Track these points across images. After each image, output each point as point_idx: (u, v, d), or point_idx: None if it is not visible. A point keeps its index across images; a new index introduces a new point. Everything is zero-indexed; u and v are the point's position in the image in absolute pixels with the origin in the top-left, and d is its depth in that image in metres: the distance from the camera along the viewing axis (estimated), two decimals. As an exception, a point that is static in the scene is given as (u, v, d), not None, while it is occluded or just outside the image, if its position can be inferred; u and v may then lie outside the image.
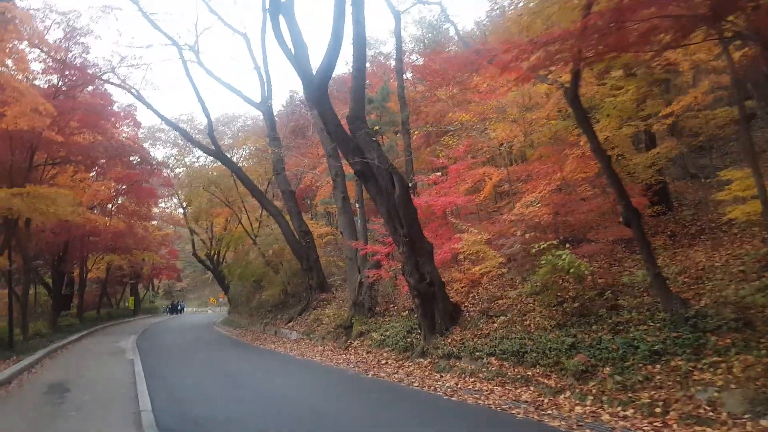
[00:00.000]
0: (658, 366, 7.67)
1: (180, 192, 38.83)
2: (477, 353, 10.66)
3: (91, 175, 27.84)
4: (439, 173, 14.75)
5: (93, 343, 22.06)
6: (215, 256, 40.38)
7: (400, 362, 12.43)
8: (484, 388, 9.24)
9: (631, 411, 7.11)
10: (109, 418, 8.13)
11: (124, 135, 24.81)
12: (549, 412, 7.58)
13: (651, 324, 8.44)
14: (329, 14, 13.07)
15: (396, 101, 19.70)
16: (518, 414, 7.53)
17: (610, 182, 8.49)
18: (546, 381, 8.83)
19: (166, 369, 13.64)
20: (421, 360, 11.96)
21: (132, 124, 25.98)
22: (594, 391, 7.94)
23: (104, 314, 38.15)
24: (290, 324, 21.95)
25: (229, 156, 24.65)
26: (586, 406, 7.64)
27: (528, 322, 10.78)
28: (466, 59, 21.95)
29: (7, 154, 15.05)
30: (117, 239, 28.83)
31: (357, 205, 17.68)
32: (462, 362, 10.91)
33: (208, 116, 21.53)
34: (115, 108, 23.10)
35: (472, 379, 9.94)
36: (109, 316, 38.63)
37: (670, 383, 7.28)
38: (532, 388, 8.77)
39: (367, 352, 14.28)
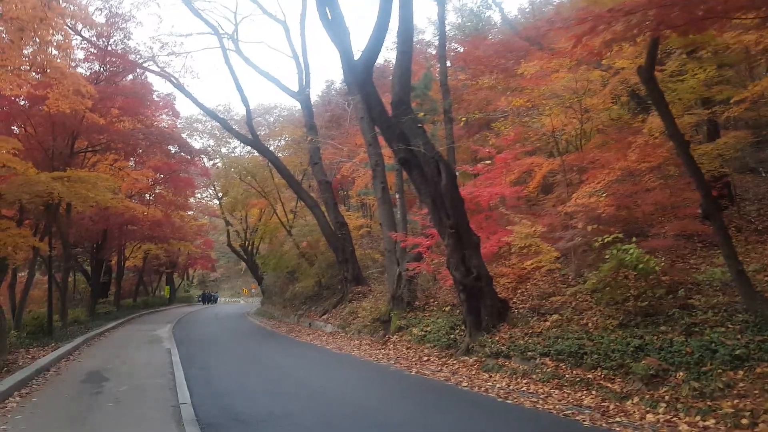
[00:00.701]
0: (741, 372, 6.94)
1: (216, 183, 38.93)
2: (529, 353, 10.04)
3: (130, 164, 27.98)
4: (488, 161, 14.04)
5: (130, 331, 22.10)
6: (249, 247, 40.40)
7: (443, 360, 11.88)
8: (540, 390, 8.62)
9: (713, 421, 6.41)
10: (147, 411, 7.78)
11: (162, 124, 24.76)
12: (618, 419, 6.94)
13: (730, 326, 7.71)
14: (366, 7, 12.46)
15: (437, 89, 19.04)
16: (583, 421, 6.90)
17: (689, 171, 7.76)
18: (609, 385, 8.16)
19: (203, 359, 13.36)
20: (466, 358, 11.39)
21: (170, 113, 25.96)
22: (667, 397, 7.25)
23: (140, 302, 38.59)
24: (325, 316, 21.58)
25: (265, 146, 24.26)
26: (659, 413, 6.98)
27: (585, 322, 10.11)
28: (512, 45, 21.16)
29: (49, 140, 14.96)
30: (154, 228, 28.91)
31: (397, 196, 17.13)
32: (512, 362, 10.30)
33: (246, 105, 21.27)
34: (154, 97, 23.07)
35: (525, 381, 9.32)
36: (145, 304, 39.04)
37: (756, 392, 6.55)
38: (594, 392, 8.12)
39: (407, 348, 13.76)
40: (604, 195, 9.16)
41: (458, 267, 11.74)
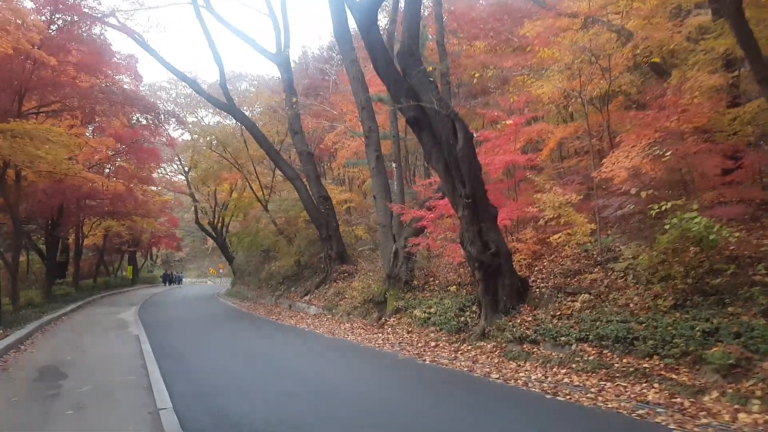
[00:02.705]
0: None
1: (181, 157, 36.62)
2: (562, 338, 8.78)
3: (88, 133, 25.65)
4: (503, 123, 12.59)
5: (91, 315, 20.13)
6: (219, 225, 38.34)
7: (455, 345, 10.56)
8: (588, 383, 7.35)
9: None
10: (118, 421, 6.12)
11: (125, 86, 22.49)
12: (704, 420, 5.69)
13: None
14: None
15: (432, 51, 17.51)
16: (666, 422, 5.63)
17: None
18: (674, 376, 6.93)
19: (178, 348, 11.72)
20: (483, 343, 10.10)
21: (132, 76, 23.70)
22: (758, 392, 6.03)
23: (101, 283, 36.39)
24: (307, 297, 20.10)
25: (241, 111, 22.22)
26: (754, 413, 5.75)
27: (625, 302, 8.85)
28: (510, 5, 19.77)
29: (-9, 93, 12.81)
30: (115, 203, 26.66)
31: (393, 165, 15.59)
32: (541, 348, 9.03)
33: (220, 65, 19.19)
34: (114, 59, 20.78)
35: (563, 371, 8.06)
36: (106, 285, 36.85)
37: None
38: (656, 385, 6.88)
39: (408, 332, 12.42)
40: (668, 153, 7.80)
41: (474, 242, 10.36)
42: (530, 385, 7.42)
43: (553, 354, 8.68)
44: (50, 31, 14.42)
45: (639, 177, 8.55)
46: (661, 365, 7.21)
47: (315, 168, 21.43)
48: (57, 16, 16.12)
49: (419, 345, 11.04)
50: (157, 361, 9.72)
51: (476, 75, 12.00)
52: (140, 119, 22.42)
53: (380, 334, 12.74)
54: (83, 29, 16.39)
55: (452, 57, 18.64)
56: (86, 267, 37.23)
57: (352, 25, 14.72)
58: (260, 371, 8.97)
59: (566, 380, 7.63)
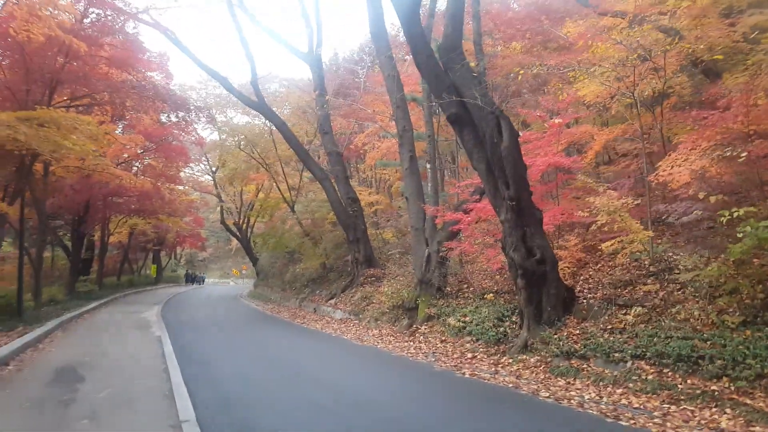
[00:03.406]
0: None
1: (208, 156, 36.49)
2: (615, 354, 8.07)
3: (118, 130, 25.53)
4: (544, 125, 11.93)
5: (113, 313, 19.84)
6: (244, 225, 38.09)
7: (494, 357, 9.89)
8: (649, 405, 6.64)
9: None
10: (137, 432, 5.61)
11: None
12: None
13: None
14: None
15: (469, 49, 16.88)
16: (754, 459, 4.91)
17: None
18: (749, 401, 6.21)
19: (201, 351, 11.24)
20: (525, 357, 9.41)
21: (163, 74, 23.45)
22: None
23: (125, 281, 36.33)
24: (332, 301, 19.55)
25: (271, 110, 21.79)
26: None
27: (685, 317, 8.10)
28: (548, 5, 19.10)
29: (21, 85, 12.45)
30: (142, 201, 26.48)
31: (428, 166, 14.98)
32: (592, 364, 8.32)
33: (252, 62, 18.83)
34: (146, 57, 20.57)
35: (619, 390, 7.33)
36: (130, 283, 36.78)
37: None
38: (728, 410, 6.16)
39: (441, 341, 11.77)
40: (744, 154, 7.06)
41: (518, 247, 9.69)
42: (586, 406, 6.73)
43: (606, 371, 7.97)
44: (83, 25, 14.14)
45: (705, 181, 7.82)
46: (732, 388, 6.48)
47: (344, 169, 20.94)
48: (91, 10, 15.89)
49: (455, 356, 10.39)
50: (179, 364, 9.23)
51: (520, 72, 11.32)
52: (170, 117, 22.09)
53: (411, 343, 12.12)
54: (116, 24, 16.12)
55: (488, 58, 18.01)
56: (110, 264, 37.26)
57: (388, 21, 14.31)
58: (287, 379, 8.41)
59: (624, 401, 6.92)
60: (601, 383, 7.71)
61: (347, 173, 21.25)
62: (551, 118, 12.69)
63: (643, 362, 7.70)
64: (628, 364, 7.82)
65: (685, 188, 8.07)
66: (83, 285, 25.10)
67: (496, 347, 10.34)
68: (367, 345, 12.31)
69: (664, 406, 6.57)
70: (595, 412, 6.46)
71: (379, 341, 12.69)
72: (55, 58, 12.60)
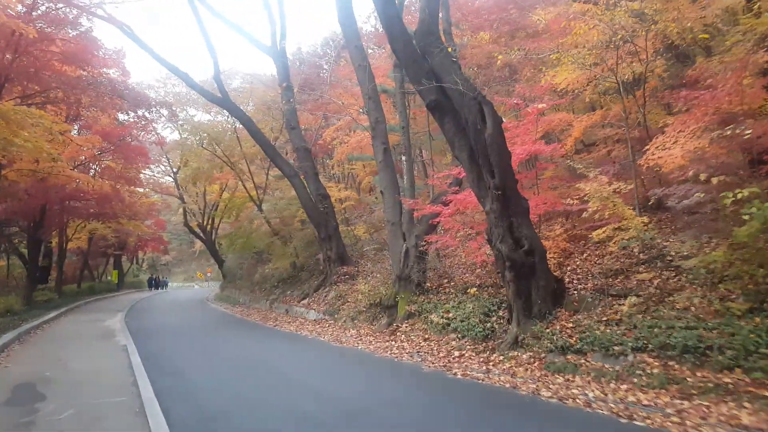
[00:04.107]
0: None
1: (170, 157, 35.25)
2: (615, 347, 7.70)
3: (74, 131, 24.24)
4: (529, 108, 11.52)
5: (74, 323, 18.76)
6: (208, 226, 36.92)
7: (483, 355, 9.46)
8: (659, 401, 6.26)
9: None
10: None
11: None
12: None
13: None
14: None
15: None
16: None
17: None
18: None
19: (173, 360, 10.50)
20: (516, 353, 9.00)
21: (120, 72, 22.32)
22: None
23: (86, 288, 34.90)
24: (305, 301, 18.91)
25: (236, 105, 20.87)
26: None
27: (685, 305, 7.80)
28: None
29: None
30: (101, 204, 25.19)
31: (403, 158, 14.46)
32: (590, 359, 7.94)
33: (213, 56, 17.92)
34: (101, 54, 19.46)
35: (624, 387, 6.94)
36: (91, 290, 35.33)
37: None
38: (747, 404, 5.80)
39: (425, 339, 11.29)
40: (748, 132, 6.74)
41: (504, 239, 9.26)
42: (594, 405, 6.32)
43: (607, 366, 7.59)
44: (32, 16, 13.10)
45: (704, 161, 7.51)
46: (747, 380, 6.15)
47: (313, 165, 20.24)
48: (40, 1, 14.82)
49: (441, 355, 9.92)
50: (149, 376, 8.53)
51: (499, 56, 10.92)
52: (129, 115, 21.01)
53: (393, 342, 11.60)
54: (69, 17, 15.05)
55: (457, 48, 17.59)
56: (70, 272, 35.77)
57: (356, 10, 13.71)
58: (269, 388, 7.79)
59: (632, 398, 6.53)
60: (602, 379, 7.32)
61: (316, 169, 20.54)
62: (527, 106, 12.32)
63: (645, 355, 7.35)
64: (630, 358, 7.47)
65: (680, 171, 7.74)
66: (42, 294, 23.85)
67: (484, 344, 9.92)
68: (347, 346, 11.75)
69: (676, 402, 6.21)
70: (605, 412, 6.05)
71: (359, 342, 12.14)
72: (3, 53, 11.57)
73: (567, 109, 15.36)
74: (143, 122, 21.03)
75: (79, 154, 23.28)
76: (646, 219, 8.35)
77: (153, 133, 26.91)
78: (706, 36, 9.98)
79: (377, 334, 12.70)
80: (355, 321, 14.48)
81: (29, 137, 10.61)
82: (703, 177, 7.04)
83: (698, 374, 6.60)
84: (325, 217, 18.83)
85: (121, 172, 26.85)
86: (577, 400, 6.56)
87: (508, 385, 7.51)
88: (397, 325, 12.66)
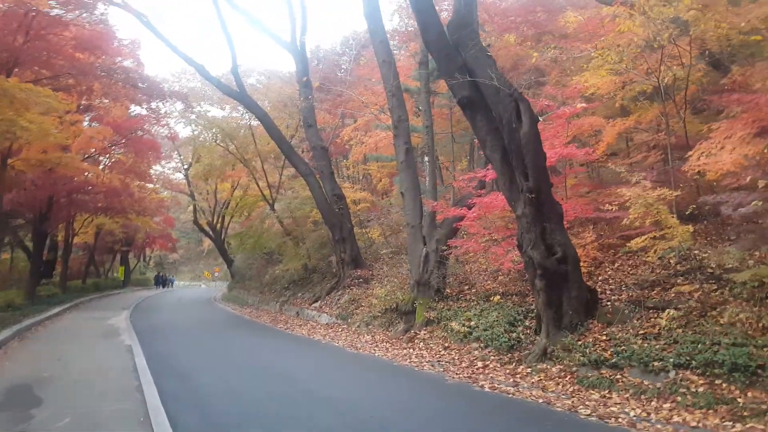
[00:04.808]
0: None
1: (181, 152, 34.93)
2: (654, 363, 7.16)
3: (85, 122, 23.92)
4: (560, 111, 11.07)
5: (78, 320, 18.38)
6: (218, 225, 36.54)
7: (509, 367, 8.96)
8: (708, 423, 5.79)
9: None
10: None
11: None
12: None
13: None
14: None
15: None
16: None
17: None
18: (831, 420, 5.35)
19: (180, 363, 10.06)
20: (545, 365, 8.50)
21: (135, 62, 22.01)
22: None
23: (91, 284, 34.49)
24: (317, 304, 18.44)
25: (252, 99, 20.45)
26: None
27: (729, 320, 7.28)
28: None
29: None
30: (110, 198, 24.82)
31: (426, 159, 14.00)
32: (627, 375, 7.41)
33: (231, 49, 17.58)
34: (116, 43, 19.15)
35: (666, 405, 6.43)
36: (96, 286, 34.94)
37: None
38: (806, 430, 5.29)
39: (445, 348, 10.79)
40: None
41: (536, 245, 8.76)
42: (639, 426, 5.81)
43: (646, 383, 7.07)
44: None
45: (761, 167, 7.01)
46: (807, 403, 5.64)
47: (329, 164, 19.82)
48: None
49: (463, 365, 9.42)
50: (154, 380, 8.05)
51: (534, 54, 10.49)
52: (142, 106, 20.62)
53: (411, 350, 11.11)
54: (83, 1, 14.71)
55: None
56: (75, 267, 35.36)
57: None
58: (283, 397, 7.31)
59: (677, 418, 6.02)
60: (642, 396, 6.82)
61: (332, 169, 20.13)
62: (558, 108, 11.84)
63: (688, 372, 6.83)
64: (671, 375, 6.95)
65: (732, 178, 7.25)
66: (45, 289, 23.51)
67: (509, 355, 9.41)
68: (364, 353, 11.27)
69: (727, 424, 5.70)
70: (650, 432, 5.53)
71: (375, 348, 11.67)
72: (14, 35, 11.20)
73: (597, 114, 14.93)
74: (156, 116, 20.62)
75: (89, 146, 22.92)
76: (691, 228, 7.83)
77: (166, 127, 26.56)
78: (759, 38, 9.45)
79: (394, 340, 12.23)
80: (370, 326, 14.02)
81: (34, 118, 10.11)
82: (762, 184, 6.55)
83: (749, 394, 6.10)
84: (340, 218, 18.39)
85: (131, 166, 26.53)
86: (620, 420, 6.04)
87: (541, 401, 6.99)
88: (415, 332, 12.17)
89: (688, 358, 6.92)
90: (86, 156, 23.07)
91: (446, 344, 10.91)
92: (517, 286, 11.55)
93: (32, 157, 15.08)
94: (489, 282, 12.59)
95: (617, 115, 13.17)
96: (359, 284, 17.27)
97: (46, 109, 10.25)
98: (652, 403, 6.58)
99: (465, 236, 12.65)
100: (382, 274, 17.42)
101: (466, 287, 12.89)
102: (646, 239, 8.18)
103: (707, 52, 11.88)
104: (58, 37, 13.16)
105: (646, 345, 7.62)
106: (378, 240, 20.94)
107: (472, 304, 11.85)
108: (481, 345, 10.10)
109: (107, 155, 25.74)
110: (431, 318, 12.10)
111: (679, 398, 6.49)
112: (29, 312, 17.13)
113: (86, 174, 18.87)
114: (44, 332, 14.71)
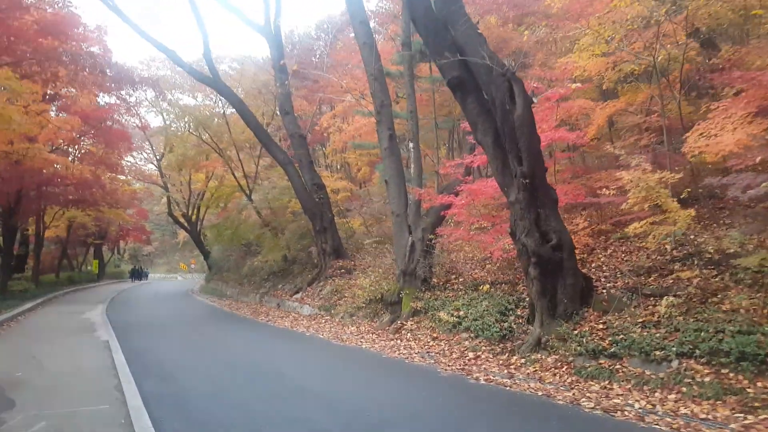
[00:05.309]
0: None
1: (153, 143, 33.98)
2: (656, 352, 6.93)
3: (52, 113, 22.96)
4: (549, 93, 10.76)
5: (51, 314, 17.70)
6: (193, 217, 35.71)
7: (502, 357, 8.70)
8: (718, 415, 5.56)
9: None
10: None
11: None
12: None
13: None
14: None
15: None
16: None
17: None
18: None
19: (161, 359, 9.58)
20: (540, 356, 8.26)
21: (102, 50, 21.13)
22: None
23: (64, 278, 33.59)
24: (298, 296, 18.05)
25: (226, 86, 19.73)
26: None
27: (730, 307, 7.08)
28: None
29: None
30: (81, 190, 23.95)
31: (410, 145, 13.60)
32: (627, 365, 7.17)
33: (204, 34, 16.83)
34: (81, 29, 18.30)
35: (671, 396, 6.21)
36: (70, 280, 34.07)
37: None
38: (822, 421, 5.07)
39: (433, 339, 10.49)
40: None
41: (530, 232, 8.47)
42: (648, 419, 5.54)
43: (648, 373, 6.84)
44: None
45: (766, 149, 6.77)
46: (821, 393, 5.43)
47: (308, 153, 19.30)
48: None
49: (454, 356, 9.14)
50: (135, 379, 7.59)
51: (525, 33, 10.13)
52: (110, 97, 19.83)
53: (399, 341, 10.79)
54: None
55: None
56: (48, 261, 34.36)
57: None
58: (274, 395, 6.90)
59: (684, 410, 5.78)
60: (645, 387, 6.58)
61: (311, 158, 19.61)
62: (546, 90, 11.54)
63: (693, 361, 6.60)
64: (674, 364, 6.72)
65: (736, 159, 7.00)
66: (17, 284, 22.64)
67: (501, 345, 9.15)
68: (350, 345, 10.91)
69: (738, 415, 5.46)
70: (664, 428, 5.27)
71: (361, 340, 11.33)
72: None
73: (584, 97, 14.70)
74: (126, 105, 19.82)
75: (57, 137, 21.97)
76: (693, 212, 7.58)
77: (136, 116, 25.66)
78: (761, 12, 9.20)
79: (380, 331, 11.91)
80: (354, 317, 13.68)
81: (-3, 109, 9.47)
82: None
83: (759, 384, 5.88)
84: (321, 208, 17.94)
85: (101, 157, 25.64)
86: (626, 412, 5.78)
87: (540, 393, 6.71)
88: (401, 323, 11.84)
89: (691, 347, 6.70)
90: (54, 147, 22.17)
91: (434, 335, 10.61)
92: (506, 275, 11.27)
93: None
94: (477, 271, 12.31)
95: (603, 98, 12.94)
96: (341, 275, 16.90)
97: (9, 95, 9.55)
98: (657, 394, 6.35)
99: (452, 224, 12.30)
100: (365, 265, 17.06)
101: (453, 276, 12.58)
102: (644, 224, 7.90)
103: (699, 30, 11.70)
104: (19, 21, 12.39)
105: (645, 333, 7.39)
106: (359, 230, 20.54)
107: (461, 293, 11.57)
108: (471, 335, 9.82)
109: (76, 146, 24.80)
110: (418, 308, 11.78)
111: (684, 389, 6.26)
112: (0, 308, 16.41)
113: (55, 166, 18.07)
114: (17, 328, 14.08)
